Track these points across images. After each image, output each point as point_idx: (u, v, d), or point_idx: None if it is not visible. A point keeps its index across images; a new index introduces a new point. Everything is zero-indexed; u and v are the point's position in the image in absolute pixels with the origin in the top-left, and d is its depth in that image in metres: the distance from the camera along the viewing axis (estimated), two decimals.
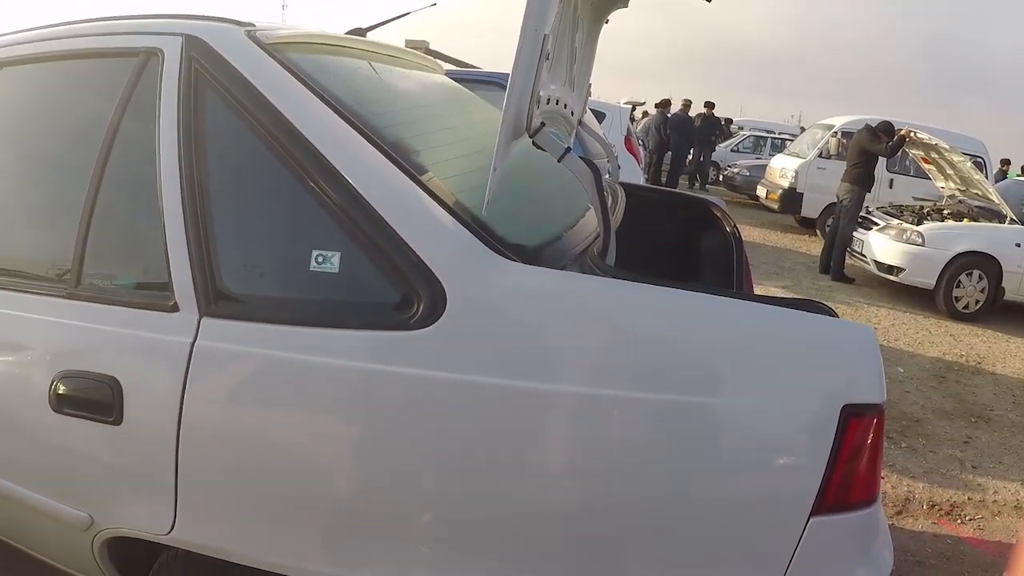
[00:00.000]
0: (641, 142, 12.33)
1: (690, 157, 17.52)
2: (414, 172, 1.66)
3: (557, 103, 2.14)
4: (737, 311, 1.52)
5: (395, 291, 1.55)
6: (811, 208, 12.53)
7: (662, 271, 2.05)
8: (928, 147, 9.75)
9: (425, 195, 1.62)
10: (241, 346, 1.62)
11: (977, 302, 8.26)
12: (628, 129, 8.77)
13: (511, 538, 1.53)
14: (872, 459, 1.50)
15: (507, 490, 1.50)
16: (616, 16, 2.90)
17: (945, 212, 9.36)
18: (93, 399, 1.73)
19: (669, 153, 15.98)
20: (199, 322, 1.66)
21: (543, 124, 1.73)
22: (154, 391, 1.69)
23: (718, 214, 3.17)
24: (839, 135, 12.51)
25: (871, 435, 1.48)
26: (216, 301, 1.66)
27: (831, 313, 1.56)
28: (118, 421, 1.71)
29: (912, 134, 9.52)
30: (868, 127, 9.59)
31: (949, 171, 9.96)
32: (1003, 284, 8.23)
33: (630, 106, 11.92)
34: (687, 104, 16.91)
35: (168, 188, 1.74)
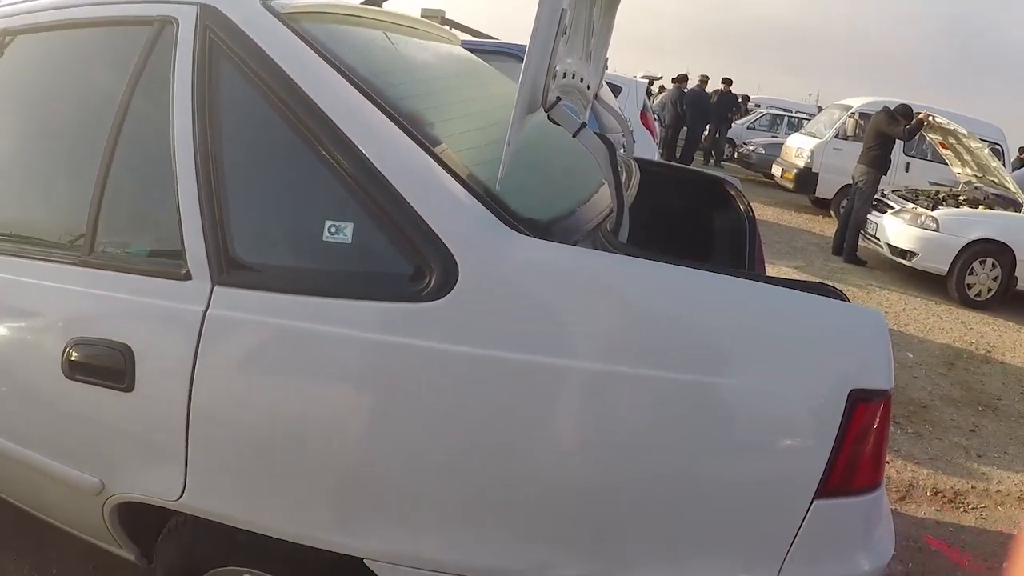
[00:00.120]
0: (657, 117, 12.25)
1: (706, 133, 17.41)
2: (428, 144, 1.66)
3: (573, 77, 2.13)
4: (748, 292, 1.52)
5: (407, 263, 1.55)
6: (826, 189, 12.46)
7: (674, 248, 2.04)
8: (946, 132, 9.66)
9: (439, 167, 1.62)
10: (253, 315, 1.62)
11: (989, 290, 8.21)
12: (644, 104, 8.72)
13: (518, 512, 1.54)
14: (877, 444, 1.50)
15: (514, 463, 1.51)
16: None
17: (961, 198, 9.29)
18: (105, 366, 1.75)
19: (685, 129, 15.88)
20: (211, 291, 1.66)
21: (559, 99, 1.72)
22: (166, 359, 1.70)
23: (732, 192, 3.15)
24: (856, 116, 12.39)
25: (877, 420, 1.48)
26: (228, 270, 1.66)
27: (842, 297, 1.56)
28: (130, 388, 1.72)
29: (930, 118, 9.43)
30: (886, 109, 9.50)
31: (966, 157, 9.87)
32: (1016, 273, 8.17)
33: (647, 80, 11.87)
34: (704, 80, 16.77)
35: (181, 157, 1.74)
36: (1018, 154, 16.74)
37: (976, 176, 9.83)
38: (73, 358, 1.78)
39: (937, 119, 9.45)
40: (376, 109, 1.68)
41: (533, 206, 1.72)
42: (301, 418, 1.60)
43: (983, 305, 8.20)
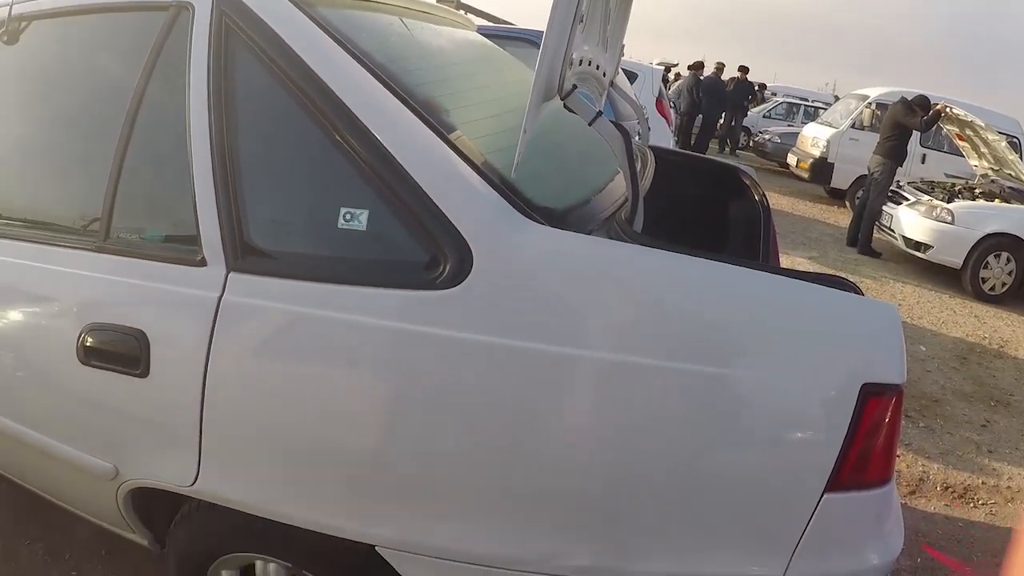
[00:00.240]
0: (673, 104, 12.19)
1: (721, 121, 17.33)
2: (444, 131, 1.65)
3: (589, 64, 2.12)
4: (762, 284, 1.52)
5: (422, 250, 1.55)
6: (841, 179, 12.39)
7: (689, 237, 2.03)
8: (963, 124, 9.58)
9: (454, 155, 1.61)
10: (268, 301, 1.63)
11: (1004, 284, 8.15)
12: (660, 91, 8.68)
13: (530, 501, 1.54)
14: (889, 439, 1.50)
15: (526, 452, 1.51)
16: None
17: (977, 191, 9.22)
18: (120, 352, 1.75)
19: (700, 116, 15.80)
20: (226, 277, 1.67)
21: (575, 86, 1.71)
22: (181, 345, 1.70)
23: (747, 182, 3.14)
24: (873, 106, 12.31)
25: (889, 415, 1.48)
26: (244, 256, 1.67)
27: (856, 290, 1.56)
28: (144, 374, 1.73)
29: (948, 109, 9.35)
30: (904, 100, 9.44)
31: (983, 149, 9.79)
32: None
33: (663, 67, 11.80)
34: (720, 67, 16.66)
35: (197, 143, 1.74)
36: None
37: (993, 169, 9.75)
38: (88, 344, 1.79)
39: (954, 110, 9.38)
40: (392, 96, 1.68)
41: (548, 195, 1.71)
42: (315, 405, 1.61)
43: (997, 299, 8.15)
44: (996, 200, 8.77)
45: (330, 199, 1.64)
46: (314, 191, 1.70)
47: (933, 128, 9.92)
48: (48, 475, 2.18)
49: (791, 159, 13.63)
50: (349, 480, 1.63)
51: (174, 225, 1.83)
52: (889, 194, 9.28)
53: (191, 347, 1.67)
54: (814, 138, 12.97)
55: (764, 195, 3.02)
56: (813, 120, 15.53)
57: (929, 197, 8.77)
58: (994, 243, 8.10)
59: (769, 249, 2.74)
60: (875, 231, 9.46)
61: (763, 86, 23.66)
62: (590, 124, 1.72)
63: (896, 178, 9.44)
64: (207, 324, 1.65)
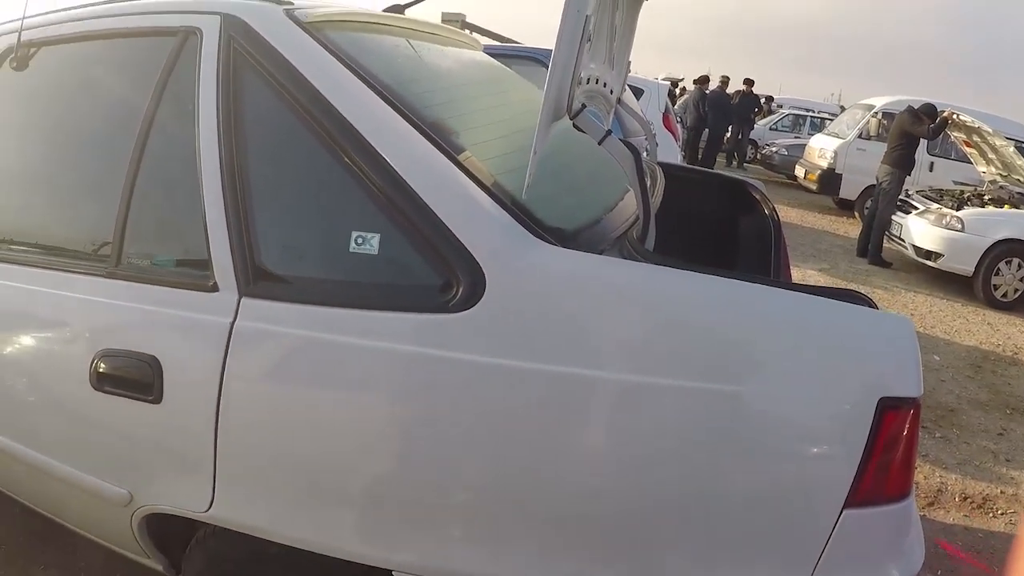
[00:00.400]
0: (679, 119, 12.20)
1: (728, 135, 17.34)
2: (453, 153, 1.65)
3: (596, 82, 2.12)
4: (776, 300, 1.51)
5: (434, 274, 1.55)
6: (850, 190, 12.38)
7: (699, 253, 2.03)
8: (970, 130, 9.56)
9: (464, 177, 1.62)
10: (280, 327, 1.63)
11: (1016, 291, 8.10)
12: (666, 106, 8.69)
13: (547, 524, 1.53)
14: (907, 453, 1.49)
15: (543, 475, 1.50)
16: None
17: (986, 198, 9.18)
18: (133, 378, 1.76)
19: (707, 130, 15.82)
20: (239, 302, 1.67)
21: (583, 105, 1.71)
22: (194, 371, 1.70)
23: (757, 196, 3.14)
24: (880, 116, 12.30)
25: (907, 428, 1.46)
26: (256, 281, 1.67)
27: (871, 304, 1.55)
28: (158, 400, 1.73)
29: (955, 116, 9.34)
30: (911, 109, 9.43)
31: (991, 155, 9.77)
32: None
33: (669, 82, 11.83)
34: (725, 81, 16.71)
35: (207, 168, 1.75)
36: None
37: (1001, 175, 9.72)
38: (101, 370, 1.80)
39: (962, 117, 9.36)
40: (401, 118, 1.68)
41: (559, 215, 1.71)
42: (330, 430, 1.61)
43: (1010, 306, 8.10)
44: (1006, 206, 8.74)
45: (341, 223, 1.64)
46: (325, 215, 1.70)
47: (941, 135, 9.89)
48: (62, 500, 2.18)
49: (799, 171, 13.62)
50: (366, 505, 1.63)
51: (185, 250, 1.83)
52: (898, 203, 9.26)
53: (204, 373, 1.67)
54: (821, 149, 12.97)
55: (774, 209, 3.02)
56: (819, 131, 15.52)
57: (938, 205, 8.74)
58: (1005, 249, 8.07)
59: (780, 263, 2.73)
60: (885, 241, 9.43)
61: (770, 98, 23.70)
62: (600, 143, 1.72)
63: (905, 187, 9.42)
64: (220, 350, 1.66)
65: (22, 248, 2.10)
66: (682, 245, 2.56)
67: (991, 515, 3.81)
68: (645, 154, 2.96)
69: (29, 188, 2.22)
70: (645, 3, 2.86)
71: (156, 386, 1.73)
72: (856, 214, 12.24)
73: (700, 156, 15.53)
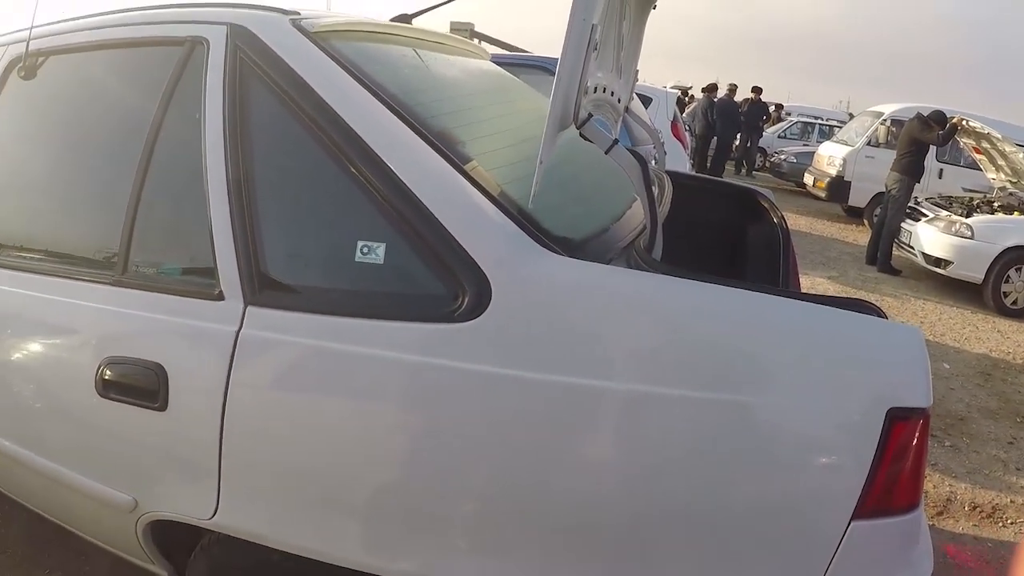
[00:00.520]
0: (688, 127, 12.21)
1: (736, 143, 17.33)
2: (459, 163, 1.65)
3: (604, 91, 2.13)
4: (785, 310, 1.51)
5: (440, 283, 1.55)
6: (859, 197, 12.35)
7: (707, 262, 2.02)
8: (980, 136, 9.53)
9: (471, 186, 1.62)
10: (285, 335, 1.63)
11: None
12: (675, 114, 8.69)
13: (552, 534, 1.52)
14: (916, 463, 1.47)
15: (549, 485, 1.50)
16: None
17: (995, 204, 9.15)
18: (139, 385, 1.76)
19: (716, 139, 15.82)
20: (244, 310, 1.67)
21: (590, 115, 1.71)
22: (199, 378, 1.71)
23: (765, 205, 3.13)
24: (888, 123, 12.29)
25: (916, 439, 1.45)
26: (261, 290, 1.67)
27: (880, 313, 1.54)
28: (163, 407, 1.74)
29: (964, 122, 9.32)
30: (920, 116, 9.41)
31: (1001, 162, 9.73)
32: None
33: (678, 91, 11.82)
34: (732, 89, 16.70)
35: (214, 177, 1.75)
36: None
37: (1011, 181, 9.68)
38: (107, 377, 1.80)
39: (971, 123, 9.34)
40: (407, 128, 1.69)
41: (566, 224, 1.71)
42: (334, 439, 1.61)
43: (1020, 314, 8.06)
44: (1015, 213, 8.70)
45: (347, 233, 1.65)
46: (331, 225, 1.70)
47: (950, 142, 9.87)
48: (68, 506, 2.19)
49: (807, 179, 13.60)
50: (370, 514, 1.62)
51: (191, 259, 1.84)
52: (907, 211, 9.24)
53: (209, 381, 1.68)
54: (830, 157, 12.95)
55: (783, 217, 3.01)
56: (828, 139, 15.50)
57: (948, 212, 8.72)
58: (1015, 256, 8.03)
59: (789, 271, 2.73)
60: (894, 248, 9.41)
61: (779, 106, 23.67)
62: (606, 152, 1.72)
63: (914, 194, 9.40)
64: (225, 358, 1.66)
65: (29, 255, 2.11)
66: (691, 253, 2.56)
67: (1001, 524, 3.78)
68: (653, 163, 2.96)
69: (36, 196, 2.23)
70: (653, 12, 2.87)
71: (161, 394, 1.73)
72: (865, 222, 12.21)
73: (709, 164, 15.53)
